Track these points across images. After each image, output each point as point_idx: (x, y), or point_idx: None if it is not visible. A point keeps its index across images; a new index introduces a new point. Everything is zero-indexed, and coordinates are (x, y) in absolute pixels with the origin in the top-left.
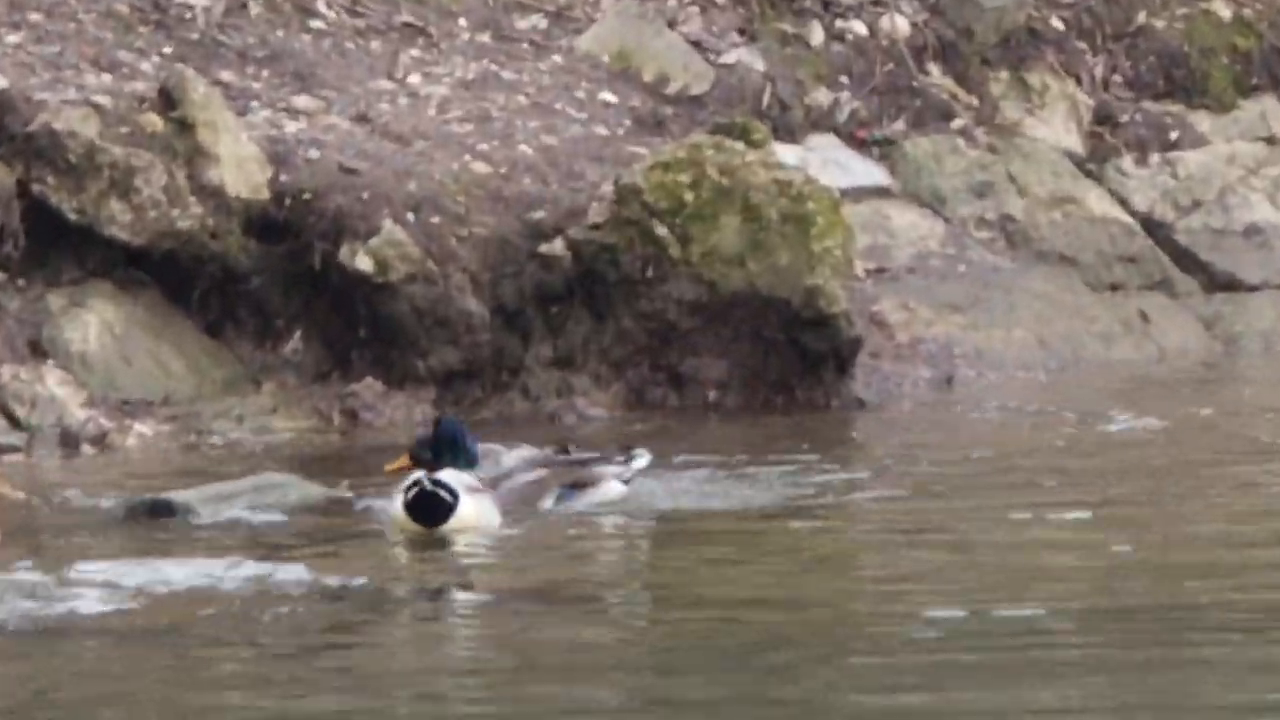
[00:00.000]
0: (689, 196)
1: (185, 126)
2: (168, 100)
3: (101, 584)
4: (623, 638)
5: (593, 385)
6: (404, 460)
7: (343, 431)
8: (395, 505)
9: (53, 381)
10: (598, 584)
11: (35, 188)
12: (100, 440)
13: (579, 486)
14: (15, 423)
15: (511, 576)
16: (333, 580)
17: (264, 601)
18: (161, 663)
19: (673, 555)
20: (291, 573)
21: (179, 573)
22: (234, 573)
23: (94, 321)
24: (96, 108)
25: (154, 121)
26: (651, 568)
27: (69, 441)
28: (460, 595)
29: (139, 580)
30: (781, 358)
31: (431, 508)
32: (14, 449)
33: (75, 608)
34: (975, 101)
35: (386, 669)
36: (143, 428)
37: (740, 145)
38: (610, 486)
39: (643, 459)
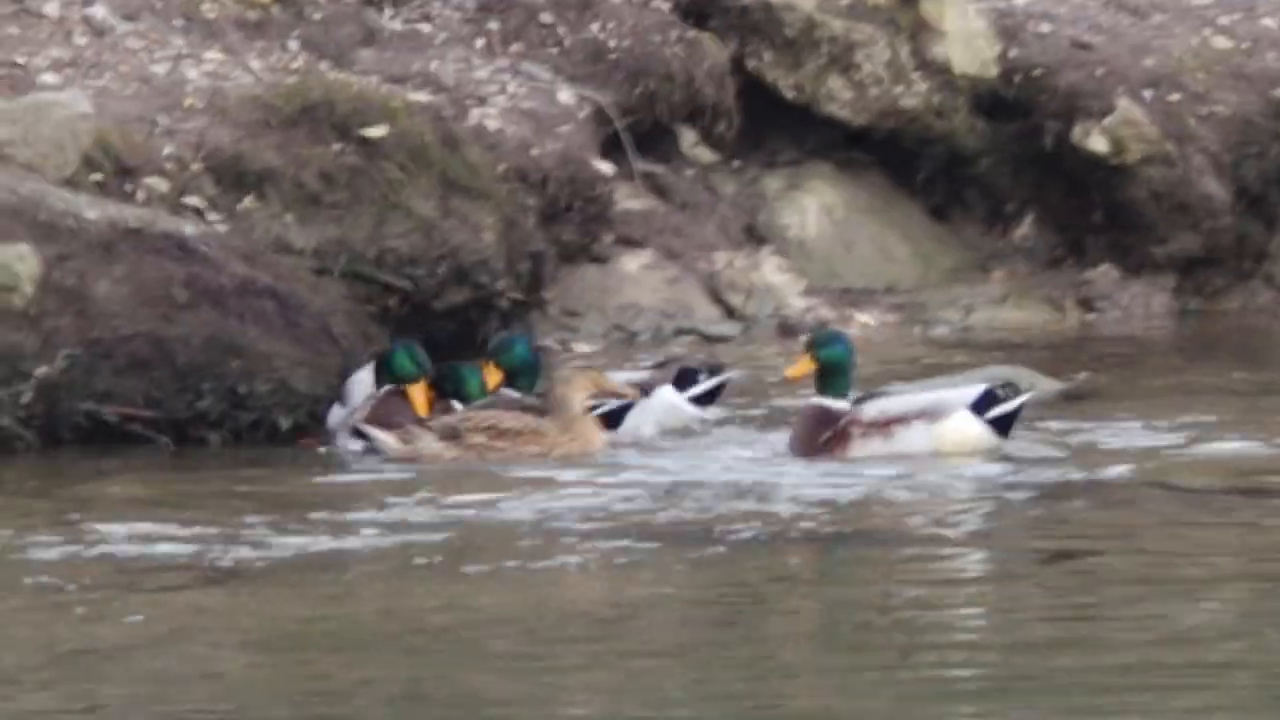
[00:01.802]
0: None
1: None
2: None
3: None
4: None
5: None
6: (808, 363)
7: (1077, 321)
8: (966, 419)
9: (770, 269)
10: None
11: (750, 64)
12: None
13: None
14: (731, 312)
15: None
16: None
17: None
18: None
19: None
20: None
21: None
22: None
23: (813, 205)
24: None
25: None
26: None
27: (788, 333)
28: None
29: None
30: None
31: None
32: (726, 339)
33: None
34: None
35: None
36: (865, 317)
37: None
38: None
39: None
